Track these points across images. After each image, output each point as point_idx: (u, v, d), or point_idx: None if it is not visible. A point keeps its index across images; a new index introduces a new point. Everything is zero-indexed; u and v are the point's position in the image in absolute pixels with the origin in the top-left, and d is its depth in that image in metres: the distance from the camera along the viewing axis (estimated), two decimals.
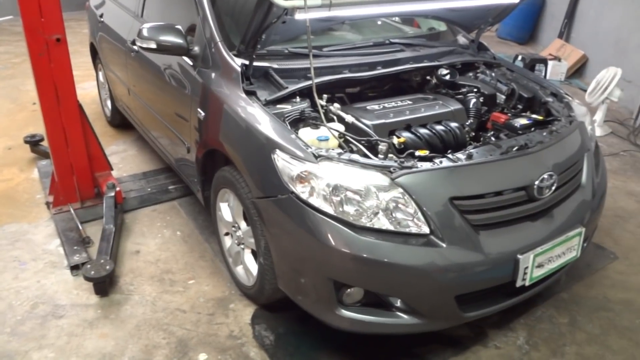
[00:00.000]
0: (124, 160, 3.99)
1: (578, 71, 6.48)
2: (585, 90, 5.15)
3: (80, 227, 3.01)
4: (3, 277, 2.69)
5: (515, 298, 2.18)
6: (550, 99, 2.69)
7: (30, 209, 3.34)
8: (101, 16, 4.06)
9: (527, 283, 2.09)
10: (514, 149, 2.16)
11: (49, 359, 2.21)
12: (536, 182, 2.09)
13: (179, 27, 2.59)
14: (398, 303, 1.98)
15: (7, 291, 2.60)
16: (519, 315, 2.50)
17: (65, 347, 2.27)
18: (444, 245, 1.91)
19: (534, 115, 2.55)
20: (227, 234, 2.65)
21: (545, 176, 2.11)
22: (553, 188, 2.15)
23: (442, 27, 3.30)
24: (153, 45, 2.53)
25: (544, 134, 2.33)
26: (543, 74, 5.55)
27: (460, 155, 2.07)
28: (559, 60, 6.35)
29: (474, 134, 2.49)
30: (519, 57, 5.50)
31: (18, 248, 2.94)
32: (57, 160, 3.10)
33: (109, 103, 4.46)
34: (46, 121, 2.98)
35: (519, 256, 2.02)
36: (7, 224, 3.16)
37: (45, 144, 3.70)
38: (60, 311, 2.48)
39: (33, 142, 3.96)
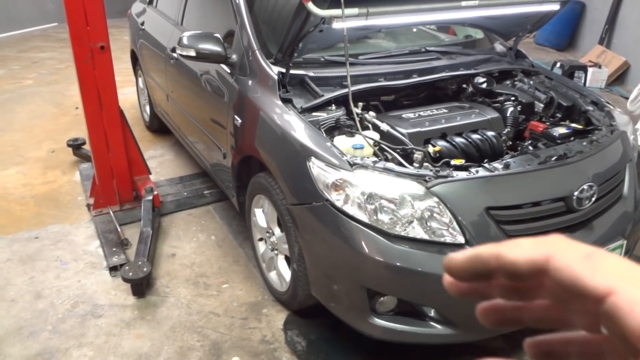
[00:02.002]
0: (161, 165, 4.08)
1: (619, 78, 6.30)
2: (626, 98, 5.01)
3: (119, 229, 3.09)
4: (46, 276, 2.79)
5: None
6: (590, 108, 2.63)
7: (72, 210, 3.45)
8: (142, 24, 4.18)
9: None
10: (553, 158, 2.12)
11: (88, 357, 2.28)
12: (575, 193, 2.04)
13: (218, 35, 2.65)
14: (432, 313, 1.97)
15: (50, 290, 2.69)
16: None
17: (104, 346, 2.34)
18: None
19: (573, 124, 2.50)
20: (261, 239, 2.68)
21: (585, 187, 2.06)
22: (593, 199, 2.10)
23: (479, 34, 3.27)
24: (192, 53, 2.59)
25: (584, 143, 2.27)
26: (582, 81, 5.43)
27: (497, 164, 2.05)
28: (599, 67, 6.19)
29: (511, 143, 2.45)
30: (558, 64, 5.40)
31: (60, 248, 3.04)
32: (98, 164, 3.20)
33: (147, 108, 4.58)
34: (89, 126, 3.08)
35: None
36: (51, 225, 3.28)
37: (87, 147, 3.83)
38: (99, 311, 2.55)
39: (75, 146, 4.10)
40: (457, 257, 0.39)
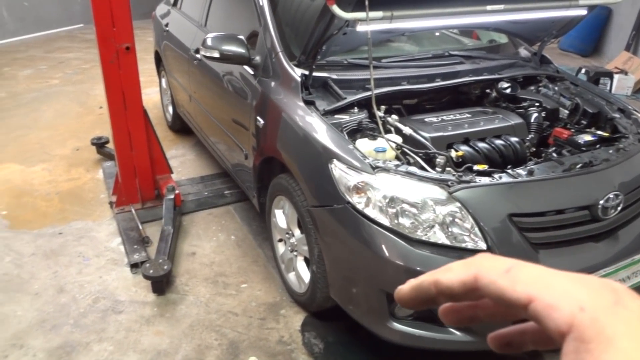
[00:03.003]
0: (182, 164, 4.13)
1: None
2: None
3: (141, 227, 3.13)
4: (68, 271, 2.84)
5: None
6: (617, 115, 2.58)
7: (94, 207, 3.51)
8: (166, 25, 4.24)
9: None
10: (578, 166, 2.09)
11: (108, 352, 2.32)
12: (601, 202, 2.01)
13: (242, 37, 2.67)
14: None
15: (72, 284, 2.74)
16: None
17: (124, 342, 2.37)
18: None
19: (599, 132, 2.46)
20: (280, 240, 2.69)
21: (611, 196, 2.03)
22: (619, 208, 2.06)
23: (503, 39, 3.24)
24: (216, 55, 2.61)
25: (610, 151, 2.24)
26: (608, 88, 5.34)
27: (521, 171, 2.03)
28: (626, 73, 6.08)
29: (534, 149, 2.42)
30: (583, 70, 5.32)
31: (83, 244, 3.09)
32: (121, 162, 3.25)
33: (170, 109, 4.64)
34: (113, 125, 3.13)
35: None
36: (74, 221, 3.34)
37: (110, 146, 3.89)
38: (119, 307, 2.59)
39: (99, 144, 4.17)
40: (404, 288, 0.44)
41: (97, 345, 2.35)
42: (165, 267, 2.66)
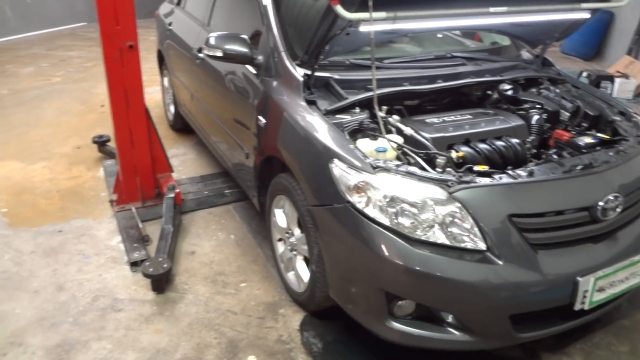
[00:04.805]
0: (183, 163, 4.13)
1: None
2: None
3: (141, 226, 3.14)
4: (68, 269, 2.84)
5: (572, 321, 2.10)
6: (617, 118, 2.59)
7: (95, 205, 3.51)
8: (169, 24, 4.25)
9: (586, 307, 2.01)
10: (578, 167, 2.09)
11: (107, 350, 2.32)
12: (600, 203, 2.01)
13: (245, 36, 2.67)
14: (450, 319, 1.96)
15: (72, 282, 2.74)
16: (576, 340, 2.40)
17: (123, 340, 2.37)
18: (500, 262, 1.87)
19: (599, 134, 2.46)
20: (280, 239, 2.69)
21: (611, 197, 2.03)
22: (619, 210, 2.06)
23: (505, 41, 3.24)
24: (219, 54, 2.62)
25: (610, 153, 2.24)
26: (609, 91, 5.34)
27: (521, 171, 2.03)
28: (627, 77, 6.08)
29: (535, 151, 2.43)
30: (584, 74, 5.32)
31: (83, 242, 3.10)
32: (122, 161, 3.26)
33: (172, 108, 4.64)
34: (115, 123, 3.13)
35: (579, 279, 1.95)
36: (74, 219, 3.34)
37: (111, 144, 3.90)
38: (119, 305, 2.59)
39: (100, 143, 4.17)
40: None
41: (96, 344, 2.35)
42: (165, 265, 2.67)
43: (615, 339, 2.44)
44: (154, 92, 5.42)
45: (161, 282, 2.67)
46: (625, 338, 2.44)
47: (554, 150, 2.42)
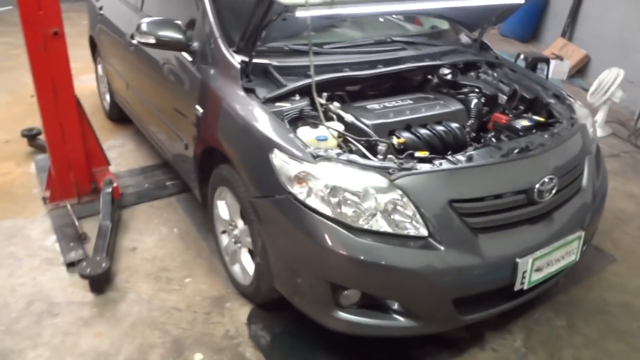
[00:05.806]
0: (121, 155, 3.96)
1: (580, 71, 6.44)
2: (587, 90, 5.12)
3: (77, 223, 2.99)
4: None
5: (513, 301, 2.16)
6: (552, 101, 2.66)
7: (26, 204, 3.31)
8: (100, 9, 4.03)
9: (525, 287, 2.07)
10: (515, 151, 2.14)
11: (43, 358, 2.20)
12: (537, 186, 2.07)
13: (179, 22, 2.56)
14: (395, 306, 1.97)
15: (3, 288, 2.58)
16: (517, 318, 2.48)
17: (60, 346, 2.26)
18: (442, 248, 1.89)
19: (535, 117, 2.52)
20: (224, 232, 2.63)
21: (546, 179, 2.09)
22: (553, 191, 2.12)
23: (444, 25, 3.26)
24: (152, 40, 2.50)
25: (545, 136, 2.30)
26: (545, 73, 5.50)
27: (460, 157, 2.05)
28: (561, 59, 6.31)
29: (474, 134, 2.46)
30: (521, 56, 5.45)
31: (14, 244, 2.92)
32: (53, 155, 3.08)
33: (107, 97, 4.43)
34: (43, 115, 2.95)
35: (518, 260, 2.00)
36: (3, 220, 3.14)
37: (42, 137, 3.68)
38: (55, 309, 2.46)
39: (30, 136, 3.93)
40: None
41: (31, 352, 2.22)
42: (104, 264, 2.55)
43: (554, 314, 2.54)
44: (88, 80, 5.14)
45: (100, 283, 2.56)
46: (563, 313, 2.55)
47: (492, 133, 2.46)
